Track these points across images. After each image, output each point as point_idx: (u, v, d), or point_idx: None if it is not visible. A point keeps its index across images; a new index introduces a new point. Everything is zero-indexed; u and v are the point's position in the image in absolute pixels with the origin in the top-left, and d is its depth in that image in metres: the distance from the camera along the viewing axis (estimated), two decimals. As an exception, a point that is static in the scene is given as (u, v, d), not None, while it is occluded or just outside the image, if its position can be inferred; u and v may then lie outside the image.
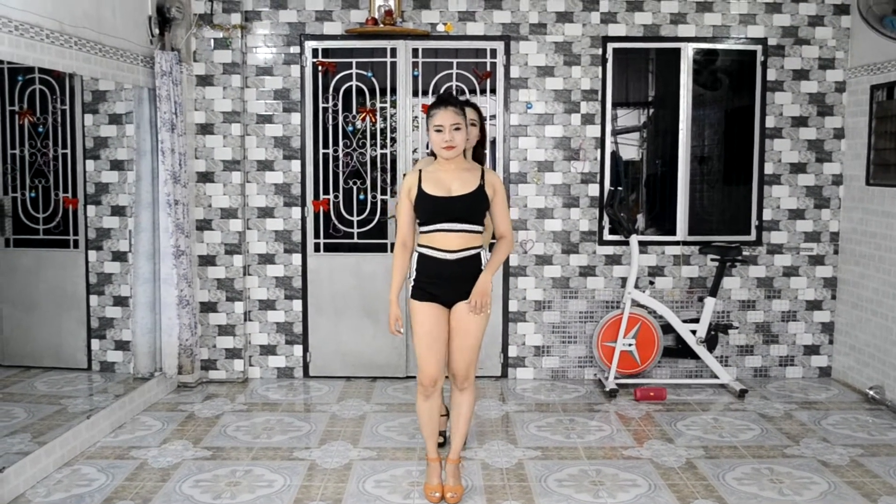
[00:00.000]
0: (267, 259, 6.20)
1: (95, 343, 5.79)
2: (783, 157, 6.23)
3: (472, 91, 6.19)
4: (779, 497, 4.07)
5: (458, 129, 3.81)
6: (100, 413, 4.93)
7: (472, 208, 3.85)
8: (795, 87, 6.19)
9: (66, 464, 4.46)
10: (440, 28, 6.09)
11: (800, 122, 6.22)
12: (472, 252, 3.88)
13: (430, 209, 3.84)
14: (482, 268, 3.89)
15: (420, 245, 3.92)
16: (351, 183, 6.21)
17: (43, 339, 5.68)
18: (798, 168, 6.24)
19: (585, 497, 4.07)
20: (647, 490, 4.16)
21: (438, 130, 3.81)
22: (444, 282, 3.88)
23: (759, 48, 6.18)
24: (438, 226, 3.84)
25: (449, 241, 3.84)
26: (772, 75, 6.18)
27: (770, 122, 6.21)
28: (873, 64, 5.83)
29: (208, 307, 6.14)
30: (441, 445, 4.51)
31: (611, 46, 6.14)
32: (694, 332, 5.98)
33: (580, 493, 4.10)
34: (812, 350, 6.36)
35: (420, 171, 3.95)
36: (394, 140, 6.21)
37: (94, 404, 5.31)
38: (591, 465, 4.50)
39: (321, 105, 6.18)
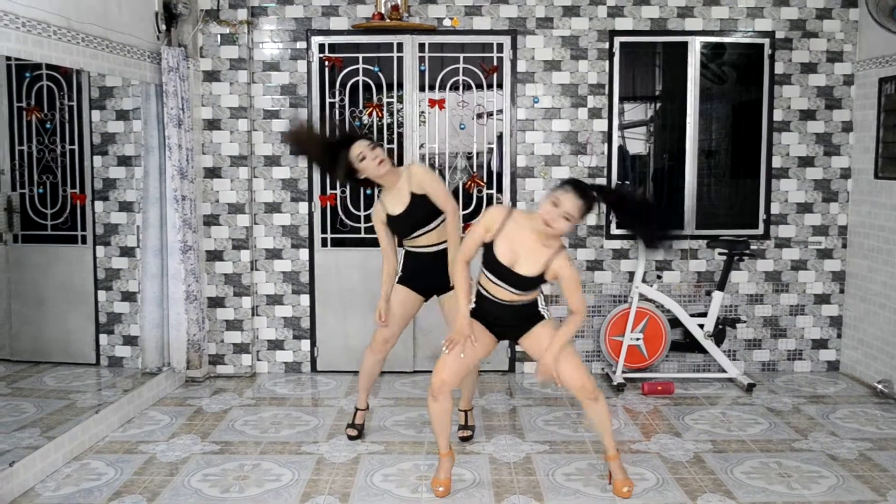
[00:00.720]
0: (274, 254, 6.21)
1: (104, 338, 5.81)
2: (791, 150, 6.21)
3: (479, 86, 6.18)
4: (787, 491, 4.07)
5: (567, 219, 3.75)
6: (108, 408, 4.95)
7: (526, 287, 3.93)
8: (803, 81, 6.17)
9: (74, 458, 4.48)
10: (446, 23, 6.08)
11: (808, 115, 6.19)
12: (528, 300, 4.02)
13: (492, 268, 3.93)
14: (537, 310, 4.05)
15: (479, 282, 4.05)
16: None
17: (51, 335, 5.70)
18: (806, 161, 6.22)
19: (593, 491, 4.07)
20: (655, 484, 4.15)
21: (555, 205, 3.73)
22: (496, 319, 4.07)
23: (766, 41, 6.15)
24: (497, 281, 3.93)
25: (502, 294, 3.96)
26: (779, 68, 6.15)
27: (778, 115, 6.18)
28: (882, 57, 5.80)
29: (216, 302, 6.15)
30: (466, 440, 4.78)
31: (618, 40, 6.12)
32: (702, 326, 5.97)
33: (588, 487, 4.10)
34: (820, 344, 6.34)
35: (507, 217, 3.92)
36: (401, 135, 6.20)
37: (103, 399, 5.33)
38: (599, 459, 4.50)
39: (328, 100, 6.18)
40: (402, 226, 4.58)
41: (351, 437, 4.78)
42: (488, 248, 3.90)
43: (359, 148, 4.49)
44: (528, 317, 4.04)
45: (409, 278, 4.68)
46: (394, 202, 4.57)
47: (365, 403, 4.90)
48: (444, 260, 4.59)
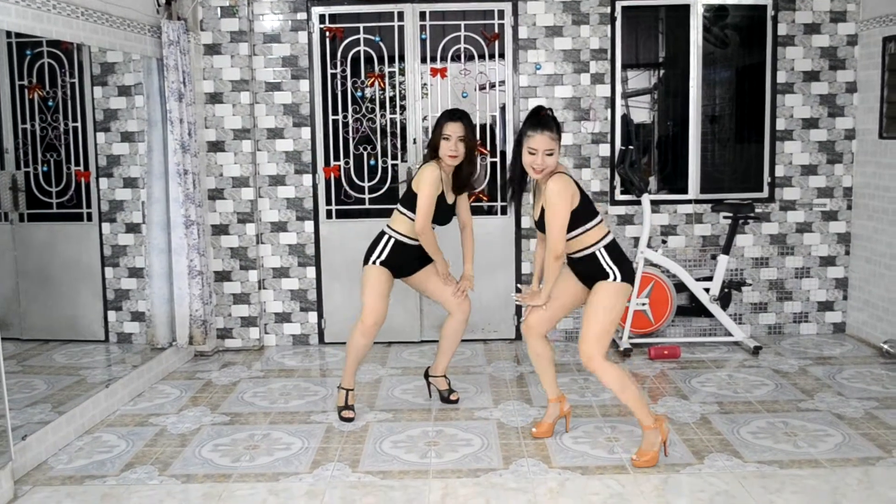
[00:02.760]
0: (279, 227, 6.23)
1: (112, 315, 5.85)
2: (795, 112, 6.18)
3: (482, 56, 6.16)
4: (793, 449, 4.09)
5: (550, 154, 3.87)
6: (118, 382, 4.98)
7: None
8: (807, 42, 6.13)
9: (86, 431, 4.52)
10: (447, -10, 6.05)
11: (811, 76, 6.16)
12: (582, 253, 4.02)
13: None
14: (603, 267, 3.98)
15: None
16: (361, 149, 6.21)
17: (60, 313, 5.74)
18: (810, 123, 6.20)
19: (600, 453, 4.10)
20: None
21: (531, 153, 3.88)
22: (578, 274, 4.15)
23: (769, 2, 6.11)
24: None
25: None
26: (782, 30, 6.11)
27: (781, 77, 6.15)
28: (886, 16, 5.75)
29: (223, 276, 6.17)
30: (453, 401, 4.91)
31: (619, 4, 6.08)
32: (707, 290, 5.97)
33: (595, 450, 4.13)
34: (826, 306, 6.35)
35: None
36: (403, 107, 6.19)
37: (113, 374, 5.38)
38: (606, 422, 4.53)
39: (329, 71, 6.16)
40: (447, 215, 4.65)
41: (351, 420, 4.66)
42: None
43: (450, 129, 4.49)
44: (595, 273, 3.99)
45: (393, 266, 4.62)
46: (447, 189, 4.59)
47: (353, 383, 4.79)
48: (425, 256, 4.68)
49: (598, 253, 3.97)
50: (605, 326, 3.91)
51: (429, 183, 4.45)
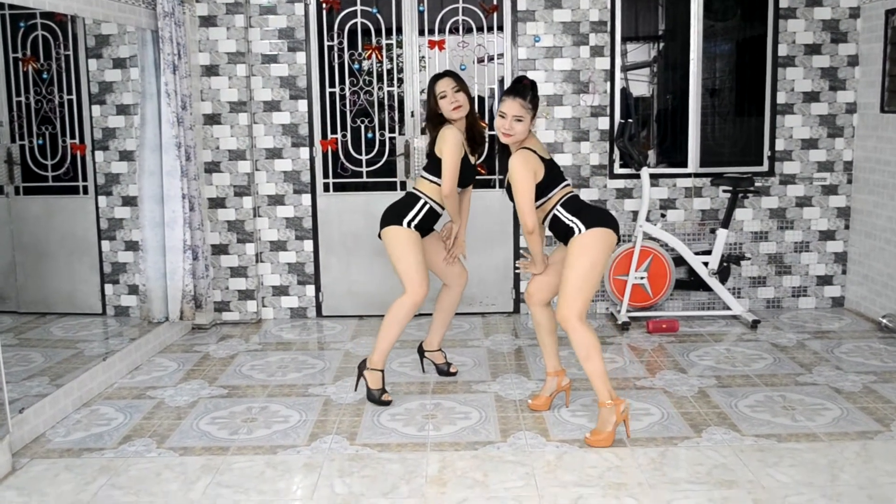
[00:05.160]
0: (276, 200, 6.19)
1: (109, 288, 5.83)
2: (796, 86, 6.14)
3: (480, 28, 6.10)
4: (791, 423, 4.09)
5: (519, 121, 3.93)
6: (116, 355, 4.98)
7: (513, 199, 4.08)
8: (808, 14, 6.07)
9: (84, 404, 4.52)
10: (445, -39, 5.99)
11: (813, 49, 6.11)
12: (550, 217, 4.10)
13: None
14: (566, 224, 4.01)
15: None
16: (358, 122, 6.16)
17: (57, 286, 5.72)
18: (811, 97, 6.15)
19: (599, 426, 4.10)
20: (661, 418, 4.18)
21: (502, 116, 3.95)
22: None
23: (770, -26, 6.05)
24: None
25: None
26: (784, 2, 6.05)
27: (782, 50, 6.10)
28: (888, -13, 5.71)
29: (220, 249, 6.15)
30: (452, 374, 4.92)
31: (619, -24, 6.02)
32: (706, 264, 5.96)
33: (593, 423, 4.12)
34: (825, 280, 6.34)
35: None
36: (401, 80, 6.14)
37: (110, 347, 5.36)
38: (603, 395, 4.52)
39: (326, 44, 6.11)
40: (471, 175, 4.62)
41: (390, 402, 4.48)
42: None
43: (442, 86, 4.46)
44: (564, 232, 4.02)
45: (421, 231, 4.51)
46: (468, 149, 4.58)
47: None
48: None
49: (556, 212, 4.03)
50: (575, 283, 3.88)
51: (452, 144, 4.41)
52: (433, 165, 4.49)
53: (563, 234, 4.03)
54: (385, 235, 4.46)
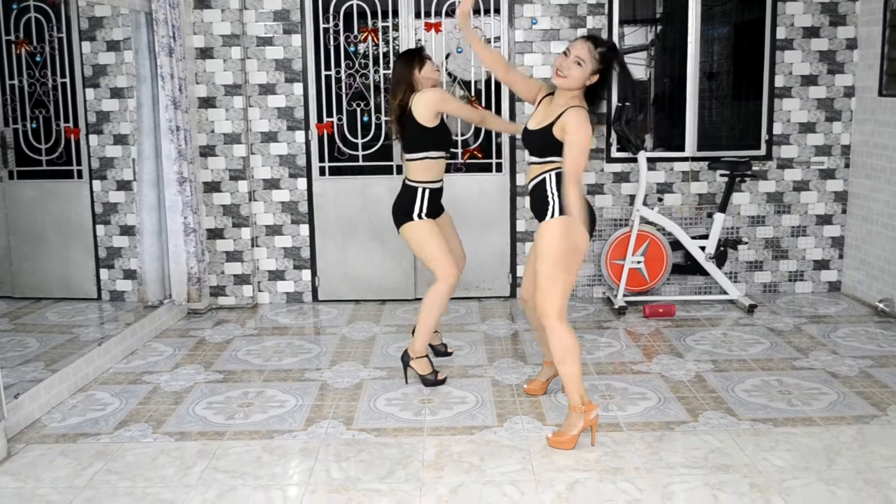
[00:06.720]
0: (272, 184, 6.16)
1: (104, 273, 5.82)
2: (794, 69, 6.11)
3: (476, 11, 6.06)
4: (787, 407, 4.09)
5: (579, 65, 3.60)
6: (111, 340, 4.96)
7: (534, 145, 3.77)
8: (807, -3, 6.05)
9: (79, 389, 4.51)
10: (441, -57, 5.94)
11: (811, 32, 6.08)
12: (538, 177, 3.78)
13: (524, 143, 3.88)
14: (546, 196, 3.72)
15: None
16: (354, 105, 6.13)
17: (52, 271, 5.71)
18: (809, 80, 6.12)
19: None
20: (657, 403, 4.18)
21: (566, 54, 3.63)
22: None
23: (769, -44, 6.01)
24: (528, 158, 3.85)
25: (529, 172, 3.88)
26: (783, -16, 6.02)
27: (781, 33, 6.07)
28: (887, -31, 5.67)
29: (215, 234, 6.12)
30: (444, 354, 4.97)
31: (617, -42, 5.98)
32: (703, 248, 5.95)
33: (590, 408, 4.13)
34: (822, 265, 6.33)
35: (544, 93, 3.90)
36: (397, 61, 6.10)
37: (106, 332, 5.36)
38: (600, 379, 4.52)
39: (322, 26, 6.06)
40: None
41: (445, 380, 4.54)
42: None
43: (430, 67, 4.51)
44: (541, 202, 3.74)
45: (431, 215, 4.52)
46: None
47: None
48: (441, 205, 4.67)
49: (547, 177, 3.72)
50: (549, 274, 3.65)
51: (440, 100, 4.44)
52: (409, 141, 4.46)
53: (539, 203, 3.75)
54: (403, 234, 4.53)
